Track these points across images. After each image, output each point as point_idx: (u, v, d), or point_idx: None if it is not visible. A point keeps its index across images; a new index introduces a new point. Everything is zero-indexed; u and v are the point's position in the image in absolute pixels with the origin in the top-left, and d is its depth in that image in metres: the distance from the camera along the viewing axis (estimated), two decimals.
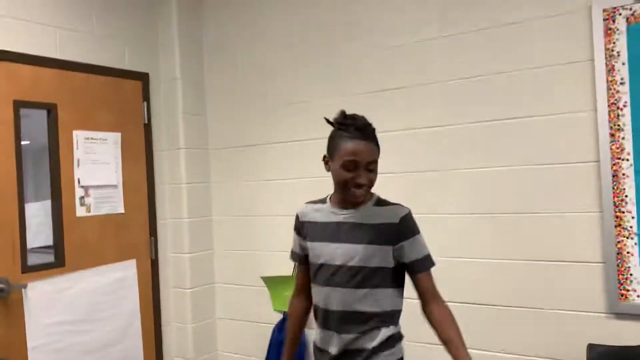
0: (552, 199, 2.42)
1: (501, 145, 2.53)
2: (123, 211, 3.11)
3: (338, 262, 1.74)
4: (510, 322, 2.51)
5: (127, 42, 3.18)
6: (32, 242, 2.70)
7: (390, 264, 1.72)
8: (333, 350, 1.75)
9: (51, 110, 2.79)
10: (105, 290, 2.97)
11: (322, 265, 1.78)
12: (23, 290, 2.59)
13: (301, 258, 1.92)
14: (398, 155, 2.76)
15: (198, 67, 3.46)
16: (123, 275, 3.08)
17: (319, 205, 1.86)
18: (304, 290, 1.94)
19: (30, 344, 2.61)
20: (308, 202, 1.92)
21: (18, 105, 2.63)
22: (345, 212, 1.77)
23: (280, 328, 2.99)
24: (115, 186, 3.07)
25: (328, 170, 1.77)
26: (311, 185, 3.00)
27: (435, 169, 2.69)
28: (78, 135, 2.89)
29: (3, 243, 2.55)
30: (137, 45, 3.25)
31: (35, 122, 2.76)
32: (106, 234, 3.02)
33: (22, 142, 2.65)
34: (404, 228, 1.72)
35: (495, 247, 2.55)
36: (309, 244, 1.84)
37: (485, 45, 2.55)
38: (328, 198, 1.85)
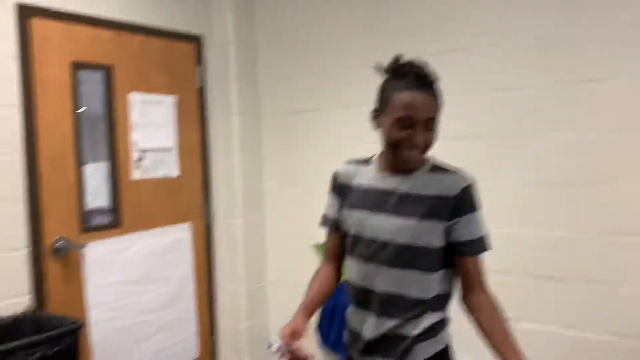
0: (626, 168, 2.24)
1: (571, 110, 2.36)
2: (178, 174, 3.11)
3: (384, 238, 1.49)
4: (579, 299, 2.38)
5: (181, 4, 3.13)
6: (89, 203, 2.74)
7: (442, 242, 1.47)
8: (368, 333, 1.53)
9: (108, 72, 2.79)
10: (161, 252, 3.01)
11: (363, 238, 1.54)
12: (82, 249, 2.64)
13: (336, 224, 1.66)
14: (458, 120, 2.62)
15: (251, 31, 3.39)
16: (178, 238, 3.11)
17: (363, 167, 1.60)
18: (336, 259, 1.70)
19: (89, 301, 2.67)
20: (349, 162, 1.65)
21: (76, 66, 2.64)
22: (394, 178, 1.51)
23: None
24: (170, 149, 3.07)
25: (377, 127, 1.51)
26: (364, 152, 2.91)
27: (498, 135, 2.55)
28: (134, 97, 2.89)
29: (63, 203, 2.59)
30: (191, 8, 3.19)
31: (91, 87, 2.76)
32: (161, 196, 3.04)
33: (79, 110, 2.67)
34: (463, 202, 1.45)
35: (562, 219, 2.41)
36: (348, 212, 1.59)
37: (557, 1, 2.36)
38: (374, 159, 1.59)
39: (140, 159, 2.92)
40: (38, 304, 2.46)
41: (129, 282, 2.85)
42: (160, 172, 3.03)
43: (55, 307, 2.53)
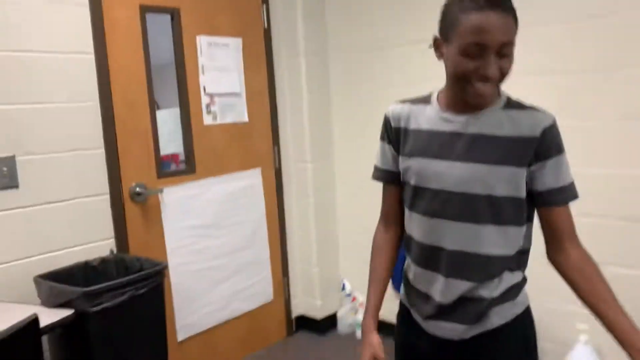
0: None
1: None
2: (247, 120, 3.08)
3: (452, 188, 1.27)
4: None
5: None
6: (163, 149, 2.75)
7: (523, 191, 1.25)
8: (438, 296, 1.33)
9: (174, 14, 2.74)
10: (233, 197, 3.02)
11: (426, 190, 1.32)
12: (160, 195, 2.67)
13: (391, 176, 1.44)
14: (549, 53, 2.43)
15: None
16: (249, 183, 3.11)
17: (421, 107, 1.36)
18: (394, 218, 1.48)
19: (168, 245, 2.73)
20: (403, 101, 1.41)
21: (144, 9, 2.60)
22: (461, 117, 1.28)
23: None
24: (238, 94, 3.03)
25: (440, 57, 1.27)
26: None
27: (596, 68, 2.34)
28: (201, 40, 2.84)
29: (139, 149, 2.61)
30: None
31: (159, 31, 2.73)
32: (232, 142, 3.02)
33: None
34: (547, 143, 1.21)
35: None
36: (406, 160, 1.36)
37: None
38: (434, 97, 1.36)
39: (210, 104, 2.90)
40: (120, 247, 2.53)
41: (204, 227, 2.89)
42: (230, 118, 3.00)
43: (136, 250, 2.59)
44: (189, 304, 2.84)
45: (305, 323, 3.47)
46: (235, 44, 2.99)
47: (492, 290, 1.28)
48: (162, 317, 2.25)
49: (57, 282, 2.05)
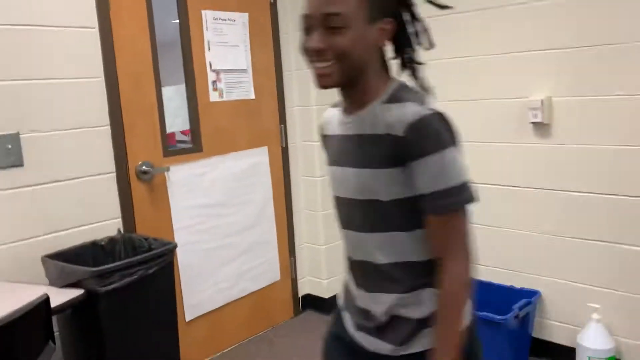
0: None
1: None
2: (254, 97, 3.02)
3: (351, 195, 1.18)
4: None
5: None
6: (169, 126, 2.70)
7: (411, 192, 1.10)
8: (378, 314, 1.20)
9: None
10: (240, 176, 2.98)
11: (336, 198, 1.25)
12: (166, 173, 2.62)
13: None
14: (563, 28, 2.37)
15: None
16: (256, 161, 3.06)
17: (335, 110, 1.29)
18: None
19: (175, 224, 2.69)
20: (333, 105, 1.34)
21: None
22: (350, 118, 1.18)
23: None
24: (245, 70, 2.96)
25: None
26: (454, 67, 2.70)
27: (610, 41, 2.28)
28: (207, 15, 2.76)
29: (145, 127, 2.56)
30: None
31: (164, 4, 2.66)
32: (239, 120, 2.97)
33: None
34: (410, 142, 1.04)
35: None
36: (326, 168, 1.32)
37: None
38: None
39: (216, 81, 2.84)
40: (126, 227, 2.49)
41: (210, 206, 2.85)
42: (236, 94, 2.94)
43: (143, 230, 2.56)
44: (197, 283, 2.81)
45: (311, 302, 3.45)
46: (241, 18, 2.92)
47: (421, 310, 1.16)
48: (172, 296, 2.22)
49: (65, 262, 2.02)
